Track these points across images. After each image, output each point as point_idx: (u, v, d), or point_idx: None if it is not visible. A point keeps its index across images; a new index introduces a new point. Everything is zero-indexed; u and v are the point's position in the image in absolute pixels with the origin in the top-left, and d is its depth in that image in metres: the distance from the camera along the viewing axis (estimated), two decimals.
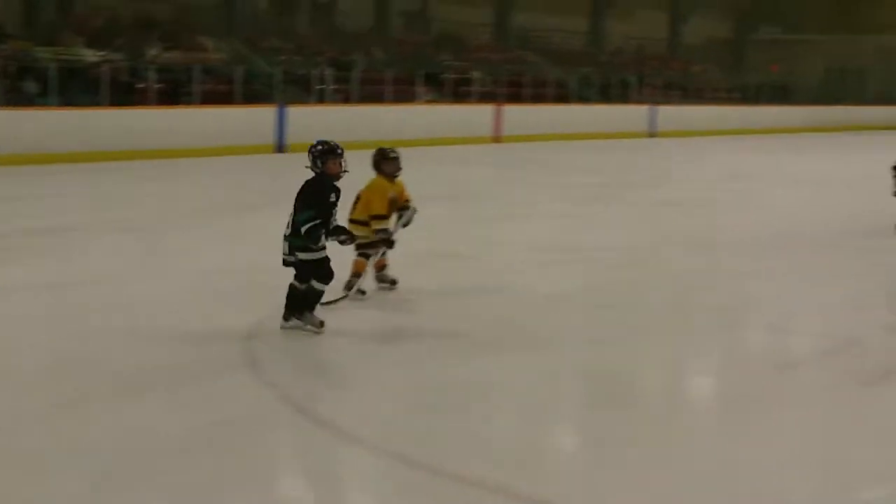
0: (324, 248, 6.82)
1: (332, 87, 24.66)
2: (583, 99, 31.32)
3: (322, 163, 6.81)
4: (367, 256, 7.83)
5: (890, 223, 11.90)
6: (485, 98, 27.64)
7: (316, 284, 6.82)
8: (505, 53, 33.24)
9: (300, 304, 6.84)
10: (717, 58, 43.98)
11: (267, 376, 6.01)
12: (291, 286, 6.88)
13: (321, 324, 6.83)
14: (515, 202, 14.78)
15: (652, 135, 30.69)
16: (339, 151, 6.86)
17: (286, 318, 6.88)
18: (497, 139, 26.20)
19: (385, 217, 7.84)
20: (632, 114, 31.02)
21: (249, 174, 17.94)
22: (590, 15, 39.01)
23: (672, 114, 31.77)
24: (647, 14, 40.88)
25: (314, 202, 6.71)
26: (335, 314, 7.24)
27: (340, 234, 6.95)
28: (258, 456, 4.83)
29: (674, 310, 8.21)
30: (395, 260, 8.14)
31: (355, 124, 21.50)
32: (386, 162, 8.00)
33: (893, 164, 12.00)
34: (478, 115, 26.13)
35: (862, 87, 44.04)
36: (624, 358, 6.71)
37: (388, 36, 31.71)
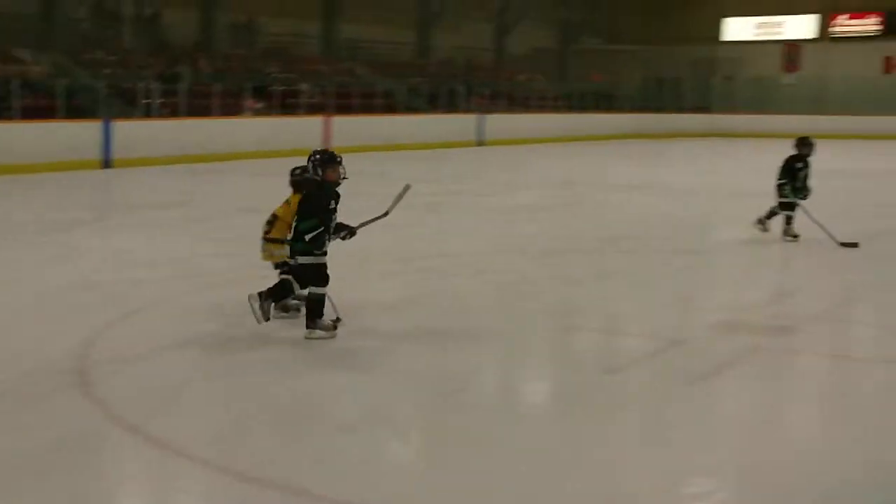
0: (325, 252, 7.10)
1: (158, 101, 24.18)
2: (411, 109, 31.57)
3: (322, 171, 7.12)
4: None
5: (711, 225, 12.37)
6: (314, 110, 27.57)
7: (315, 289, 7.07)
8: (333, 65, 33.21)
9: (314, 308, 7.09)
10: (543, 67, 44.97)
11: (98, 395, 5.84)
12: (287, 282, 7.12)
13: (334, 326, 7.15)
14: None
15: (480, 143, 31.14)
16: (339, 160, 7.19)
17: (263, 307, 6.95)
18: None
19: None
20: (460, 123, 31.41)
21: (76, 190, 17.45)
22: (417, 26, 39.29)
23: (500, 122, 32.32)
24: (473, 25, 41.42)
25: (317, 210, 7.03)
26: (167, 331, 7.14)
27: (340, 230, 7.26)
28: (88, 477, 4.72)
29: (504, 316, 8.30)
30: (228, 273, 8.04)
31: (183, 138, 21.17)
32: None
33: (778, 181, 12.22)
34: (307, 127, 25.97)
35: (679, 96, 45.75)
36: (454, 365, 6.75)
37: (214, 49, 31.28)
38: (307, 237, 6.97)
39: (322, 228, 7.00)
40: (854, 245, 11.59)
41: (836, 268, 10.87)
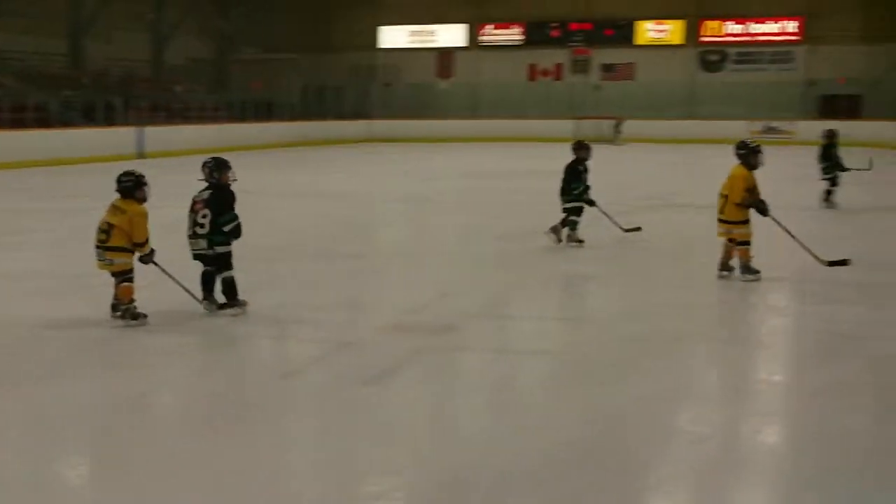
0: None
1: None
2: (66, 123, 30.32)
3: (218, 174, 8.30)
4: (133, 280, 8.04)
5: (375, 229, 12.66)
6: None
7: (229, 272, 8.33)
8: None
9: (229, 290, 8.32)
10: (202, 78, 44.44)
11: None
12: (207, 272, 8.38)
13: (244, 303, 8.33)
14: (3, 231, 14.12)
15: (141, 156, 30.32)
16: (229, 165, 8.39)
17: (206, 297, 8.37)
18: None
19: (147, 242, 8.10)
20: (118, 136, 30.44)
21: None
22: (68, 36, 37.72)
23: (160, 134, 31.61)
24: (127, 36, 40.29)
25: (230, 205, 8.28)
26: None
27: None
28: None
29: (187, 327, 8.21)
30: None
31: None
32: (140, 189, 8.11)
33: (571, 186, 12.15)
34: None
35: (339, 103, 46.51)
36: (129, 382, 6.65)
37: None
38: (226, 228, 8.19)
39: (239, 220, 8.25)
40: (637, 230, 12.60)
41: (494, 266, 11.44)
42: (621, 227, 12.54)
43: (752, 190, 9.82)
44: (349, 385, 6.57)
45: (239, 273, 8.43)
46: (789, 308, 9.48)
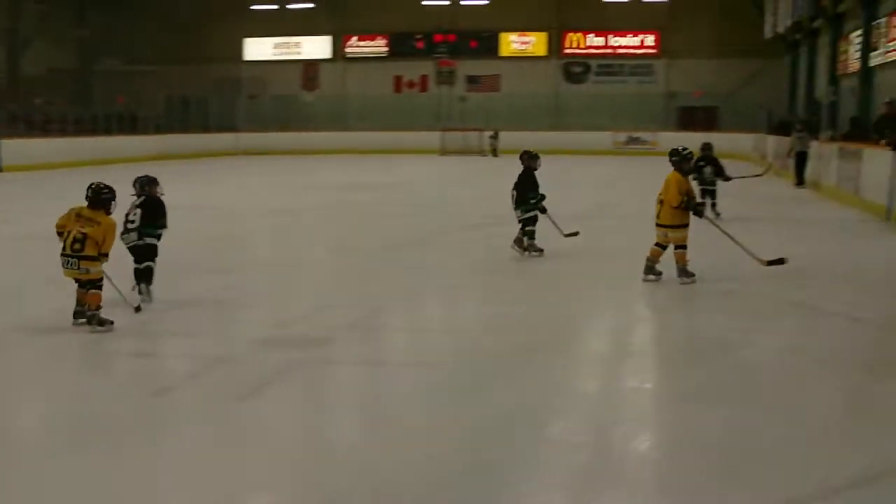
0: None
1: None
2: None
3: (149, 189, 9.67)
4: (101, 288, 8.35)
5: (245, 243, 12.52)
6: None
7: (152, 263, 9.55)
8: None
9: (147, 276, 9.49)
10: (63, 89, 43.36)
11: None
12: (146, 266, 9.49)
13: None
14: None
15: None
16: (157, 181, 9.73)
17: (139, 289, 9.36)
18: None
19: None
20: None
21: None
22: None
23: (18, 147, 30.75)
24: None
25: (163, 214, 9.65)
26: None
27: None
28: None
29: (43, 344, 8.04)
30: None
31: None
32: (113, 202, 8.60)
33: (528, 195, 12.26)
34: None
35: (205, 116, 45.93)
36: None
37: None
38: (159, 232, 9.59)
39: (165, 230, 9.68)
40: (575, 234, 12.63)
41: (366, 278, 11.48)
42: (562, 232, 12.56)
43: (686, 193, 10.31)
44: (223, 400, 6.52)
45: (106, 291, 8.30)
46: (657, 316, 9.76)
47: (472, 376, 7.21)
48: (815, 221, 17.18)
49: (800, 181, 24.04)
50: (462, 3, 47.11)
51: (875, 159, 17.23)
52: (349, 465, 5.44)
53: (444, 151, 42.28)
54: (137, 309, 8.91)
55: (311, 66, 50.29)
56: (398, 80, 49.38)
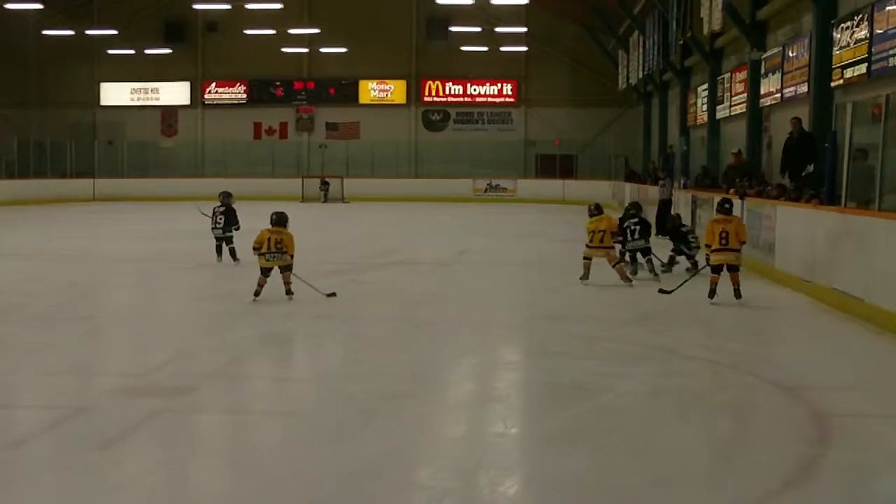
0: None
1: None
2: None
3: (228, 200, 12.76)
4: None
5: (103, 291, 12.26)
6: None
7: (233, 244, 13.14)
8: None
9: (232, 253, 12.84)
10: None
11: None
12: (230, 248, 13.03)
13: None
14: None
15: None
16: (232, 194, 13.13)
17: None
18: None
19: None
20: None
21: None
22: None
23: None
24: None
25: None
26: None
27: None
28: None
29: None
30: None
31: None
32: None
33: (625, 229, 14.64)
34: None
35: (62, 161, 44.78)
36: None
37: None
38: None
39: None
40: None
41: (227, 326, 11.34)
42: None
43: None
44: (83, 451, 6.37)
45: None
46: (515, 361, 9.89)
47: (333, 424, 7.16)
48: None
49: (659, 230, 24.16)
50: (322, 50, 47.18)
51: None
52: None
53: (304, 199, 42.15)
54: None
55: (169, 111, 49.66)
56: (257, 126, 49.13)
